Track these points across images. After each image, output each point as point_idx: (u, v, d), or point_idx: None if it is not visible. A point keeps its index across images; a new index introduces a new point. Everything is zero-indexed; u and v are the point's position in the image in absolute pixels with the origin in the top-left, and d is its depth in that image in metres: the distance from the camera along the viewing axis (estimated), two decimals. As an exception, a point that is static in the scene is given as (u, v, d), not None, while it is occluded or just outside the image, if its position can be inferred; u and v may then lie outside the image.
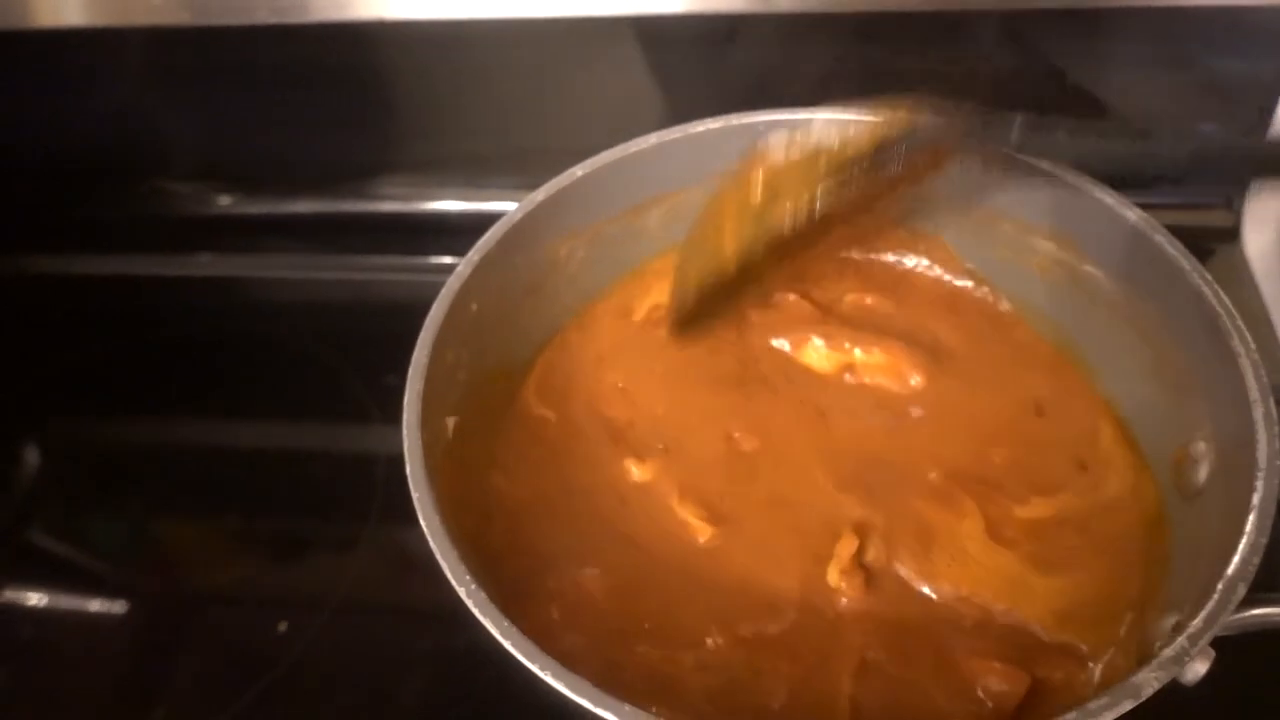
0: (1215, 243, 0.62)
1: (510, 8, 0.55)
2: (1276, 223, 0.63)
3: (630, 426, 0.48)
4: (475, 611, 0.33)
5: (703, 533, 0.44)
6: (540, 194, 0.48)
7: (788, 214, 0.42)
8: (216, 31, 0.60)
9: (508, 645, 0.32)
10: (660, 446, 0.47)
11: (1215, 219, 0.63)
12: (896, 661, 0.39)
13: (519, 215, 0.47)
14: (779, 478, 0.46)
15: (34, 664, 0.51)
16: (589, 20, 0.56)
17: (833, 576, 0.41)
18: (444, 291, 0.44)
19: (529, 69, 0.62)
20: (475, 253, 0.45)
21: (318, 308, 0.68)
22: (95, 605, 0.54)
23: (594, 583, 0.42)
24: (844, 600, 0.41)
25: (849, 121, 0.43)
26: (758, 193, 0.43)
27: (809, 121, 0.44)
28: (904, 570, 0.42)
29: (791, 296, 0.52)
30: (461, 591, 0.34)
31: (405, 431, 0.38)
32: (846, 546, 0.42)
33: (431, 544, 0.35)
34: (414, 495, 0.36)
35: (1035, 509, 0.44)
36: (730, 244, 0.44)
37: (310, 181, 0.70)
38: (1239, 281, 0.60)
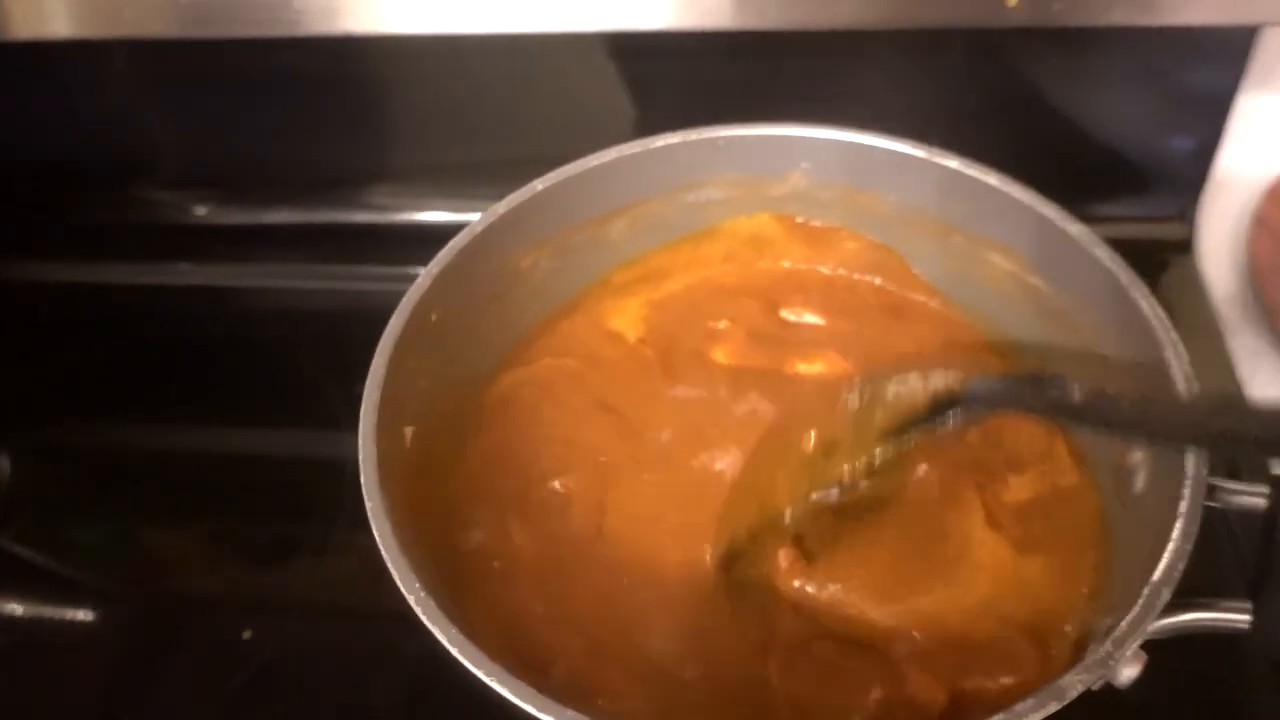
0: (1170, 255, 0.63)
1: (492, 23, 0.56)
2: (1229, 235, 0.64)
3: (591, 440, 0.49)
4: (423, 618, 0.34)
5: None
6: (501, 206, 0.49)
7: (844, 471, 0.41)
8: (199, 43, 0.61)
9: (454, 651, 0.33)
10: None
11: (1169, 231, 0.64)
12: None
13: (480, 227, 0.48)
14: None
15: (8, 672, 0.52)
16: (570, 36, 0.57)
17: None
18: (403, 303, 0.44)
19: (511, 81, 0.63)
20: (435, 264, 0.46)
21: (298, 316, 0.68)
22: (69, 612, 0.54)
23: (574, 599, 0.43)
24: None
25: (908, 379, 0.41)
26: (810, 444, 0.43)
27: (868, 381, 0.43)
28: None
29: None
30: (411, 599, 0.34)
31: (360, 440, 0.39)
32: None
33: (382, 551, 0.36)
34: (367, 503, 0.37)
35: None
36: (784, 495, 0.43)
37: (292, 191, 0.71)
38: (1192, 294, 0.62)
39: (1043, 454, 0.46)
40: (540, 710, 0.31)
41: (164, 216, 0.73)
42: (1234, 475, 0.38)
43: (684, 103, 0.60)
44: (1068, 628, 0.40)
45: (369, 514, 0.37)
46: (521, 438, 0.49)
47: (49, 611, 0.54)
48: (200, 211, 0.73)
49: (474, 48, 0.60)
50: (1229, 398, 0.53)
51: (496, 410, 0.50)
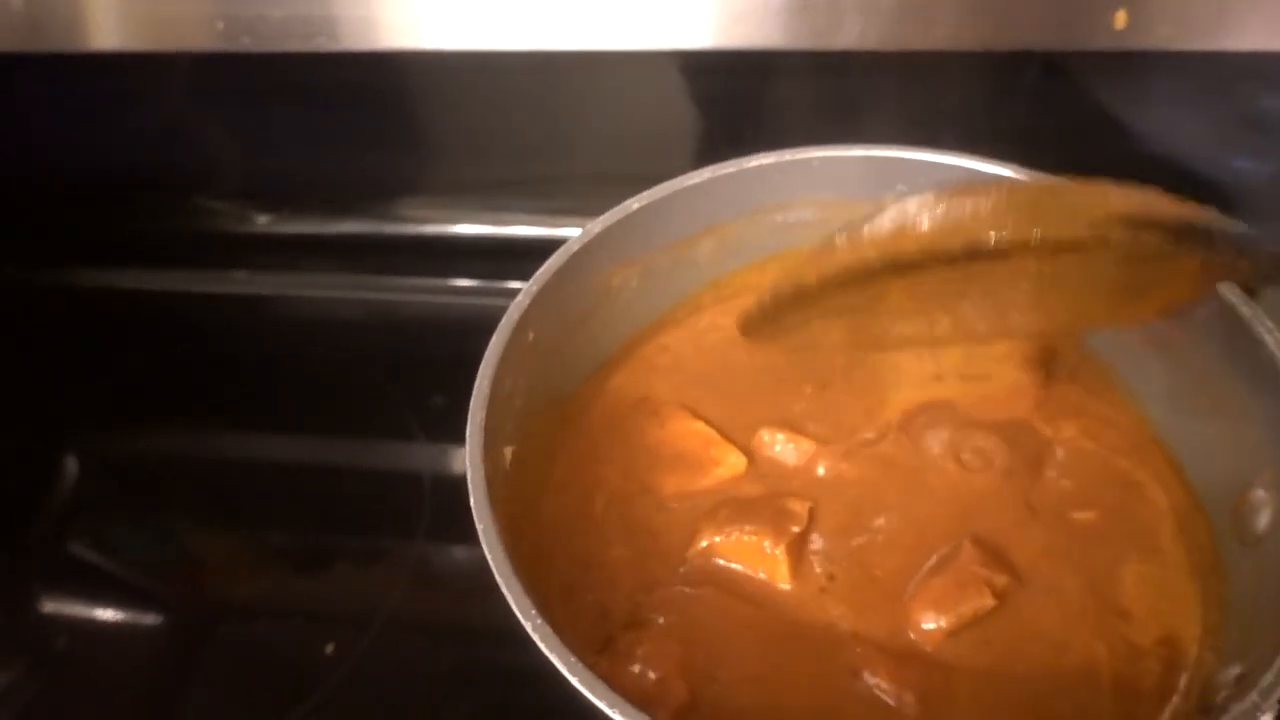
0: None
1: (527, 40, 0.56)
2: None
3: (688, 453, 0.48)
4: (541, 646, 0.33)
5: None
6: (597, 225, 0.48)
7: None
8: (253, 57, 0.61)
9: (575, 683, 0.32)
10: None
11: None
12: None
13: (576, 246, 0.48)
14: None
15: (69, 674, 0.52)
16: (611, 54, 0.57)
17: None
18: (504, 321, 0.44)
19: (555, 98, 0.63)
20: (534, 283, 0.46)
21: (349, 326, 0.69)
22: (129, 616, 0.54)
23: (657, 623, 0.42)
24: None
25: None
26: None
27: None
28: None
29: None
30: (528, 626, 0.34)
31: (469, 462, 0.39)
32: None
33: (497, 577, 0.35)
34: (479, 527, 0.37)
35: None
36: (814, 268, 0.41)
37: (345, 203, 0.72)
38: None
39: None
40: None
41: (222, 226, 0.73)
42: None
43: (728, 124, 0.60)
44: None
45: (480, 536, 0.36)
46: (612, 453, 0.49)
47: (109, 615, 0.55)
48: (261, 221, 0.73)
49: (520, 66, 0.60)
50: None
51: (585, 427, 0.50)
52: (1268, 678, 0.32)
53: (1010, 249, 0.37)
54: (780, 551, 0.45)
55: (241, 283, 0.72)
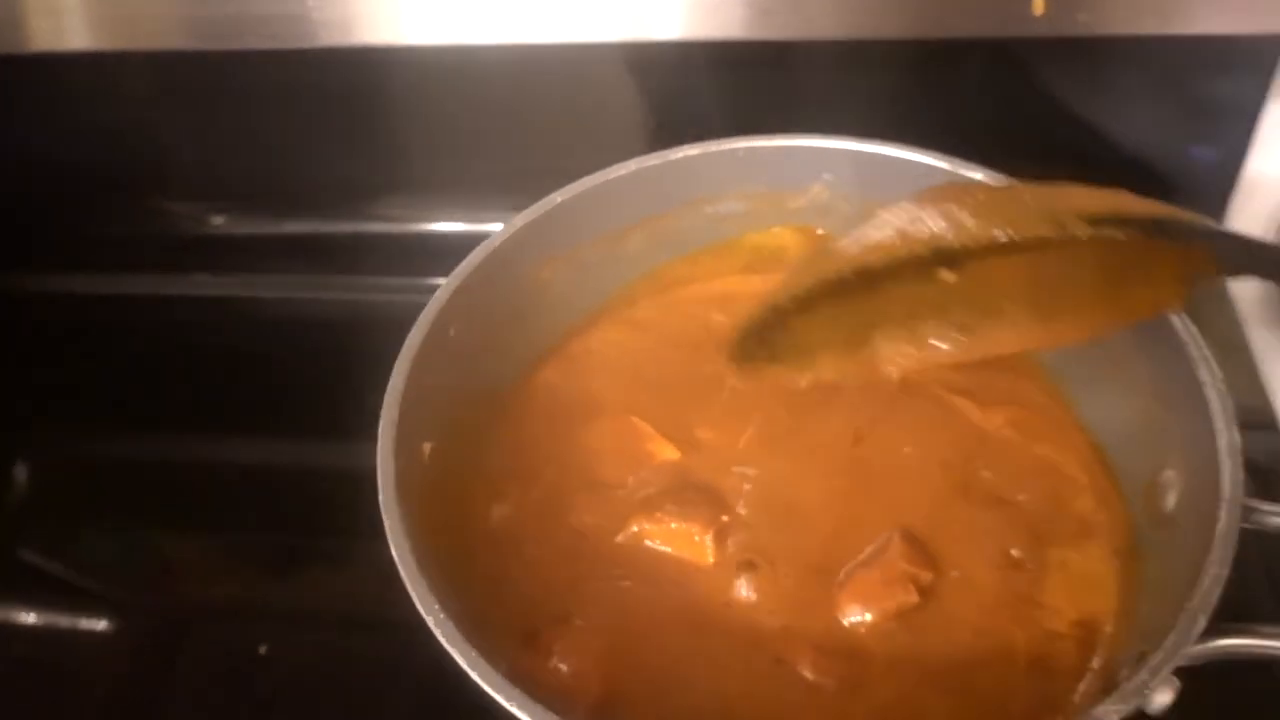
0: (1196, 267, 0.62)
1: (505, 34, 0.56)
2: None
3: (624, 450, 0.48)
4: (443, 641, 0.33)
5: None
6: (519, 220, 0.48)
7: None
8: (215, 55, 0.61)
9: (475, 678, 0.33)
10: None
11: (1196, 244, 0.63)
12: None
13: (497, 241, 0.48)
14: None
15: (22, 681, 0.51)
16: (581, 46, 0.56)
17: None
18: (421, 318, 0.44)
19: (522, 92, 0.63)
20: (452, 279, 0.46)
21: (312, 326, 0.68)
22: (84, 622, 0.54)
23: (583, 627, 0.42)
24: None
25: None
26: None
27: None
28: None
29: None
30: (430, 620, 0.34)
31: (379, 457, 0.39)
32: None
33: (401, 572, 0.35)
34: (385, 521, 0.37)
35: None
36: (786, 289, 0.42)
37: (306, 202, 0.71)
38: (1219, 308, 0.61)
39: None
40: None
41: (181, 228, 0.73)
42: (1269, 496, 0.37)
43: (698, 115, 0.60)
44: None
45: (387, 532, 0.37)
46: (544, 447, 0.49)
47: (64, 621, 0.54)
48: (217, 222, 0.73)
49: (486, 61, 0.60)
50: None
51: (517, 421, 0.50)
52: (1157, 656, 0.32)
53: (979, 249, 0.37)
54: (709, 540, 0.45)
55: (201, 284, 0.72)
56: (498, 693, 0.32)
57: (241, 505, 0.57)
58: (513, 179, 0.56)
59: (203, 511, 0.57)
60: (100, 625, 0.54)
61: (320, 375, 0.62)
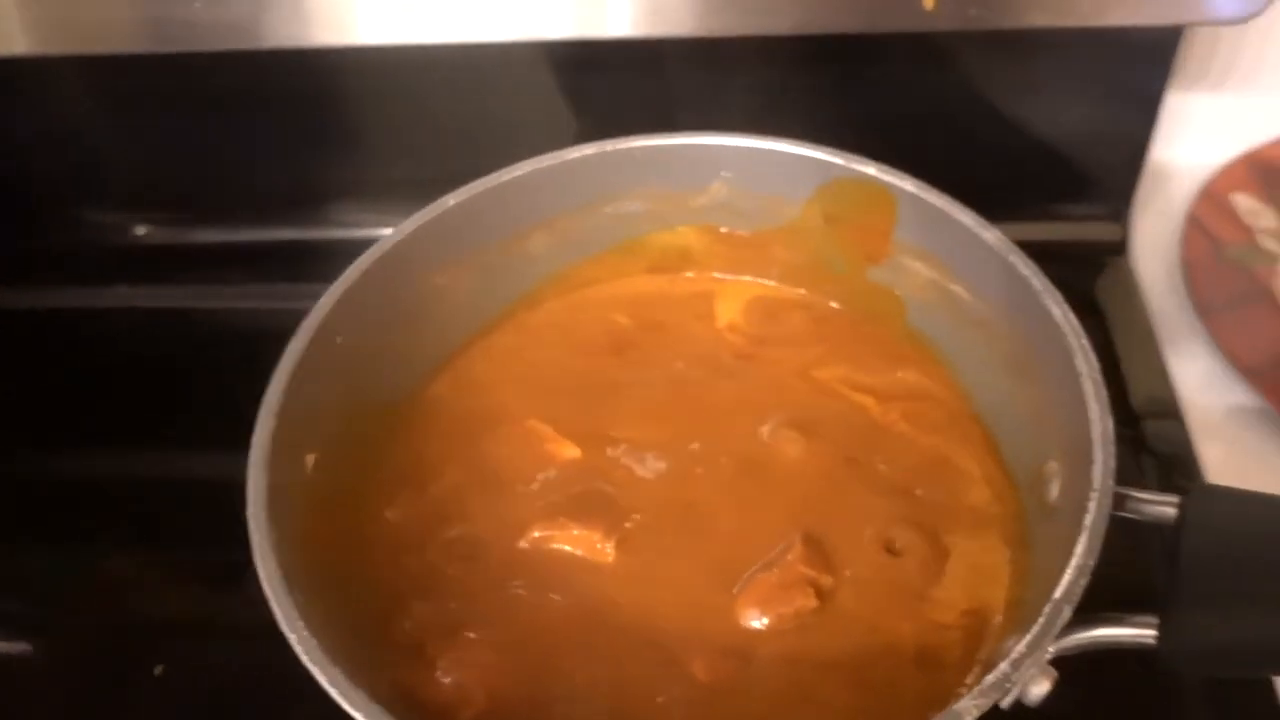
0: (1105, 256, 0.63)
1: (457, 33, 0.55)
2: (1164, 235, 0.63)
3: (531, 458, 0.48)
4: (304, 659, 0.33)
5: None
6: (409, 224, 0.48)
7: None
8: (152, 59, 0.59)
9: (334, 694, 0.32)
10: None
11: (1104, 233, 0.63)
12: None
13: (386, 246, 0.47)
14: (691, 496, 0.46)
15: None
16: (524, 45, 0.55)
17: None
18: (302, 326, 0.43)
19: (464, 93, 0.62)
20: (338, 285, 0.45)
21: (246, 337, 0.66)
22: (15, 644, 0.53)
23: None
24: None
25: None
26: None
27: None
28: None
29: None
30: (292, 638, 0.33)
31: (250, 470, 0.38)
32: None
33: (265, 588, 0.34)
34: (253, 538, 0.36)
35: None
36: None
37: (241, 210, 0.70)
38: (1127, 295, 0.61)
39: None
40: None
41: (106, 239, 0.71)
42: (1144, 485, 0.37)
43: (626, 113, 0.59)
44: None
45: (254, 547, 0.36)
46: (441, 455, 0.48)
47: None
48: (140, 232, 0.71)
49: (425, 61, 0.59)
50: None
51: (413, 430, 0.49)
52: (1020, 649, 0.32)
53: None
54: (610, 547, 0.44)
55: (129, 296, 0.70)
56: (357, 711, 0.31)
57: (172, 520, 0.56)
58: (453, 182, 0.56)
59: (133, 527, 0.56)
60: (32, 646, 0.53)
61: (254, 389, 0.61)
